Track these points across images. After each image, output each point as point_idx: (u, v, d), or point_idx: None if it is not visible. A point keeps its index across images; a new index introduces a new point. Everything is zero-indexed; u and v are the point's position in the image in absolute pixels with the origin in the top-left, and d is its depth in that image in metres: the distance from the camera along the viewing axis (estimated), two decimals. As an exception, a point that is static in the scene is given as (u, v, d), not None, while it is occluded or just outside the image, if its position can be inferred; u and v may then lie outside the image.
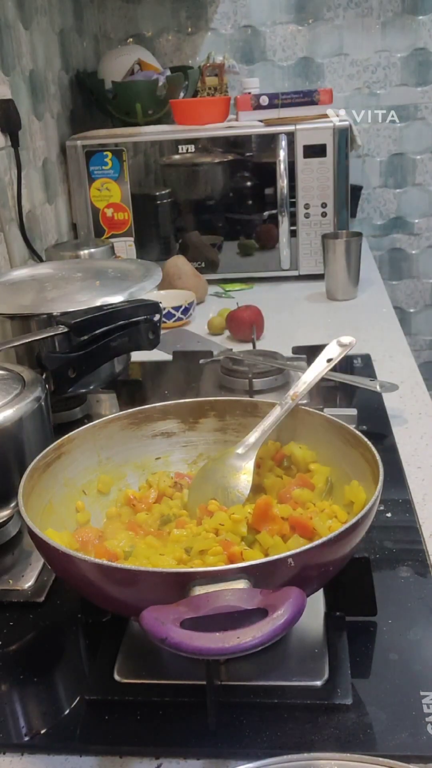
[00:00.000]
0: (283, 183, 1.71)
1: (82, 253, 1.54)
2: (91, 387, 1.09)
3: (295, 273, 1.80)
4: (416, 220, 2.43)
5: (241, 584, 0.53)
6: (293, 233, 1.77)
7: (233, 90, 2.19)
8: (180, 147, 1.76)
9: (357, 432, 0.72)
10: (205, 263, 1.81)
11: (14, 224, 1.52)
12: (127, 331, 1.01)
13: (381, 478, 0.64)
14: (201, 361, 1.27)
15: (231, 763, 0.56)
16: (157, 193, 1.82)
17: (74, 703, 0.62)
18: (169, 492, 0.79)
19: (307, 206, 1.75)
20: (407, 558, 0.77)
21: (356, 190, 2.28)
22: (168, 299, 1.51)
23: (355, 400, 1.13)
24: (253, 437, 0.78)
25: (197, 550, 0.65)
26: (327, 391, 1.12)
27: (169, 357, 1.33)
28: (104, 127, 1.86)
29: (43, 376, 0.89)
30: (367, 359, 1.28)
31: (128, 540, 0.71)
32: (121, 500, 0.78)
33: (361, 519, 0.59)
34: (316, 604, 0.68)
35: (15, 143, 1.50)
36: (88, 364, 0.97)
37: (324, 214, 1.75)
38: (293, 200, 1.74)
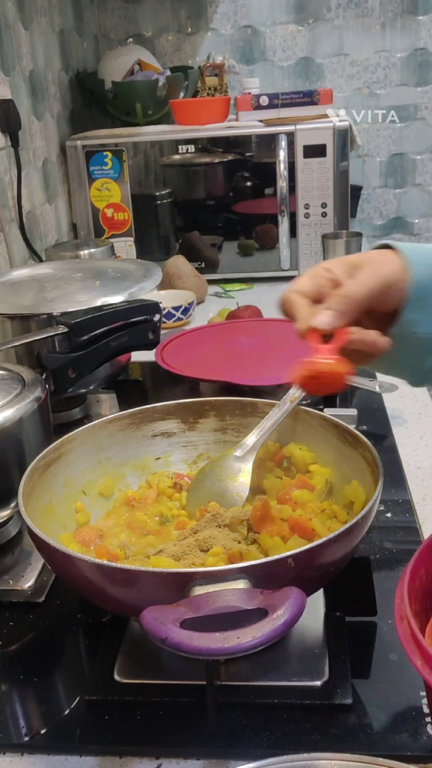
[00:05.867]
0: (283, 183, 1.71)
1: (82, 253, 1.54)
2: (91, 387, 1.09)
3: (295, 273, 1.80)
4: (416, 220, 2.43)
5: (241, 584, 0.53)
6: (293, 233, 1.77)
7: (233, 90, 2.19)
8: (180, 147, 1.76)
9: (357, 432, 0.72)
10: (205, 263, 1.81)
11: (14, 224, 1.52)
12: (127, 331, 1.01)
13: (381, 478, 0.64)
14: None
15: (231, 763, 0.56)
16: (157, 193, 1.82)
17: (74, 703, 0.62)
18: (169, 492, 0.78)
19: (307, 206, 1.75)
20: (407, 558, 0.77)
21: (356, 190, 2.28)
22: (168, 299, 1.51)
23: (355, 400, 1.13)
24: (250, 439, 0.78)
25: (197, 550, 0.65)
26: (327, 391, 1.12)
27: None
28: (104, 127, 1.86)
29: (43, 376, 0.89)
30: (367, 359, 1.28)
31: (128, 540, 0.71)
32: (121, 500, 0.78)
33: (361, 519, 0.59)
34: (316, 604, 0.68)
35: (15, 143, 1.50)
36: (88, 364, 0.97)
37: (324, 214, 1.75)
38: (293, 200, 1.74)
